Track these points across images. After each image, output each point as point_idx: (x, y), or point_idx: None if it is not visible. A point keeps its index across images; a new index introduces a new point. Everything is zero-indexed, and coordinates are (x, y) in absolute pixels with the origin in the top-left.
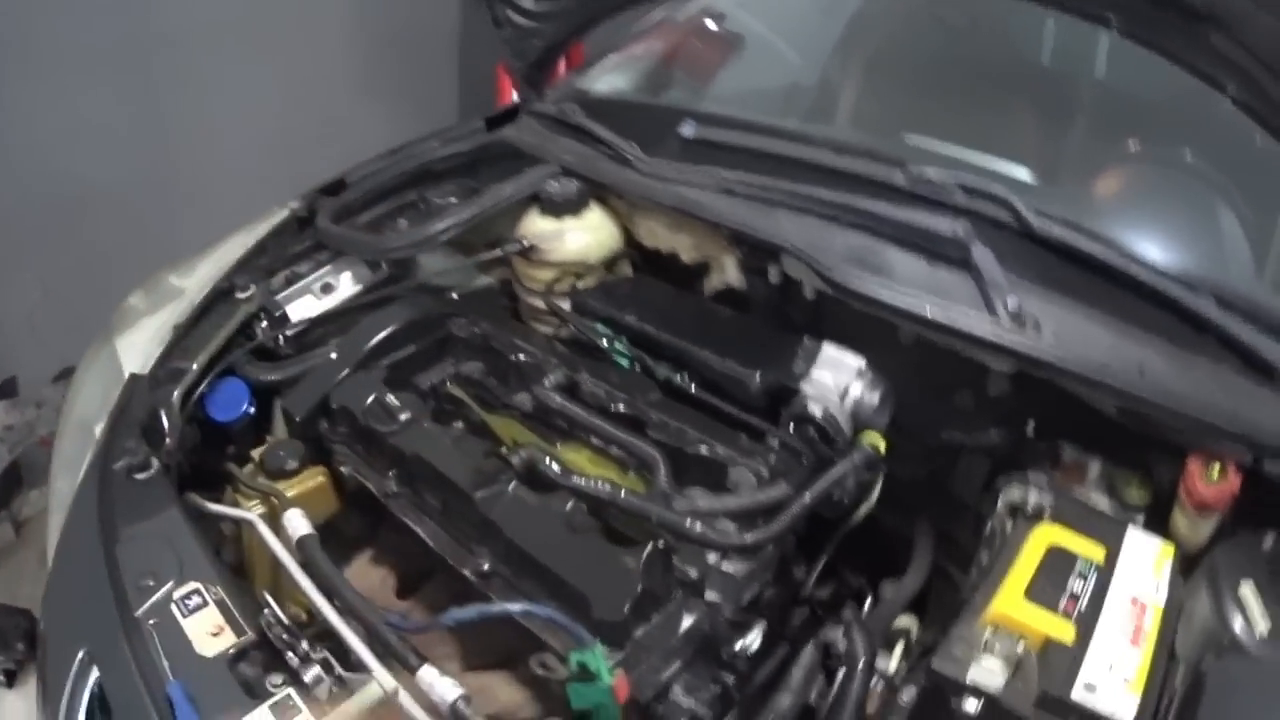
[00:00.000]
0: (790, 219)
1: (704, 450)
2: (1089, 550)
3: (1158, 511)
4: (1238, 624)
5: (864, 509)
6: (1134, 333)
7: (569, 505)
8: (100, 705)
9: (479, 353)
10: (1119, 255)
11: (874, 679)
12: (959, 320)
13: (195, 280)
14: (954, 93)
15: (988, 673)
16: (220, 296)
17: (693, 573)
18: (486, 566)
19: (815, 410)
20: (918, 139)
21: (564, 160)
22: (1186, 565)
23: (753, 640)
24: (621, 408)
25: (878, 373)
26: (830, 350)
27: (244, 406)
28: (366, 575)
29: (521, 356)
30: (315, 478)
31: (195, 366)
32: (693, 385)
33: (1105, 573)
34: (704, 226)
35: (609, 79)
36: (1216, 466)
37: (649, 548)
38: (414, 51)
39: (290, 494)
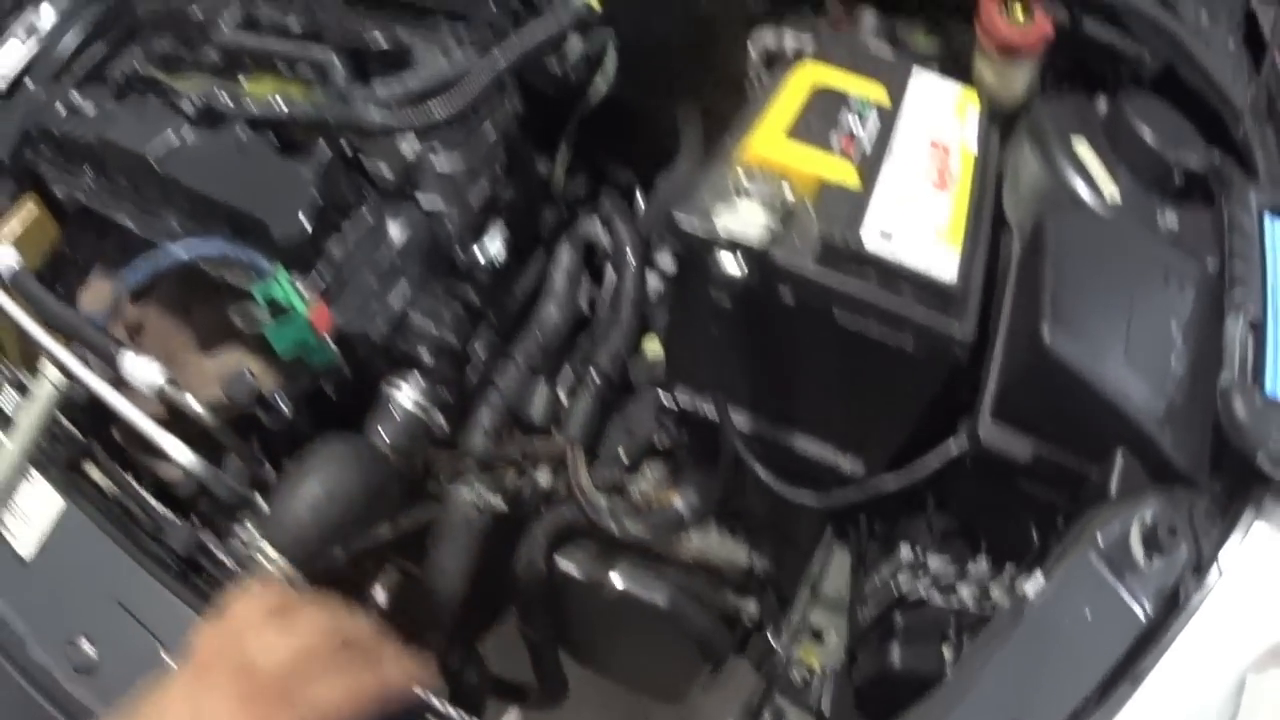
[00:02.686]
0: None
1: (382, 40)
2: (867, 90)
3: (953, 71)
4: (1078, 184)
5: (602, 84)
6: None
7: (243, 135)
8: None
9: (165, 26)
10: None
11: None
12: None
13: None
14: None
15: (745, 221)
16: None
17: (387, 172)
18: (176, 224)
19: None
20: None
21: None
22: (1001, 124)
23: (493, 248)
24: (299, 25)
25: None
26: None
27: None
28: (100, 289)
29: (198, 12)
30: (29, 210)
31: None
32: None
33: (890, 113)
34: None
35: None
36: (1019, 4)
37: (321, 148)
38: None
39: (8, 234)
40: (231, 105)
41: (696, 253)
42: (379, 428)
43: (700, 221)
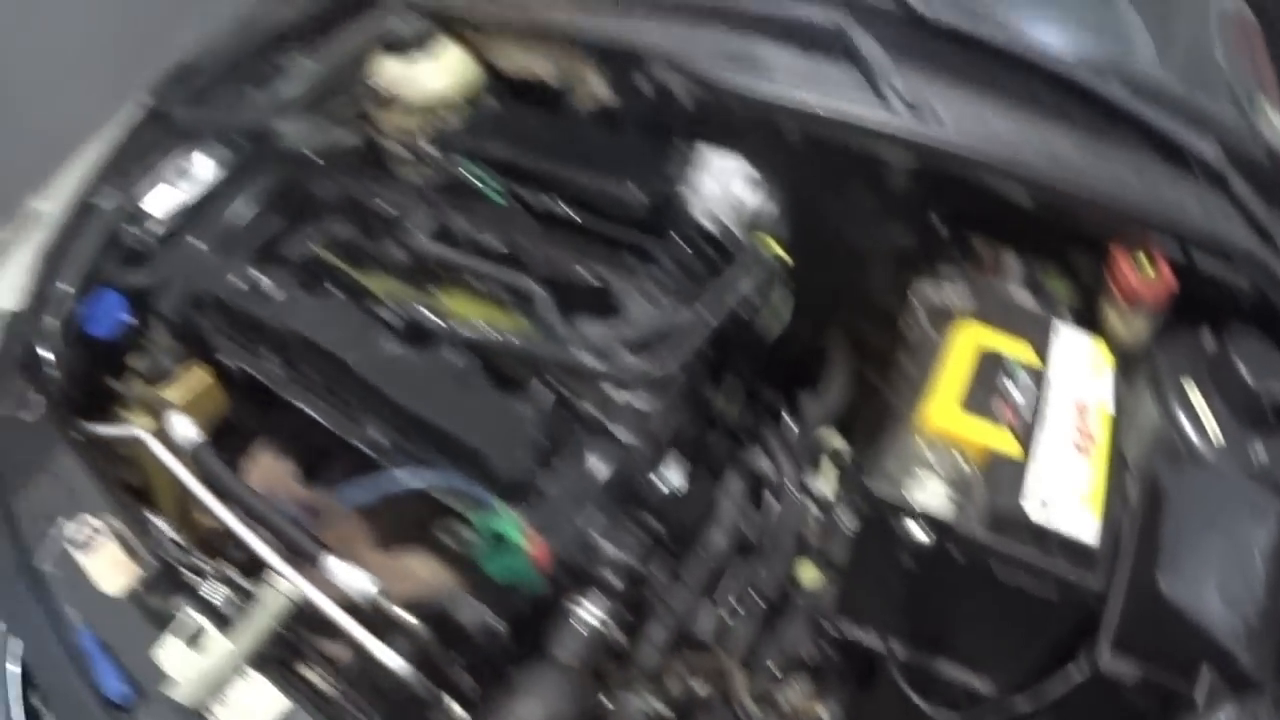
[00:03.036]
0: (653, 24)
1: (588, 276)
2: (1019, 351)
3: (1086, 313)
4: (1190, 431)
5: (776, 326)
6: (1041, 120)
7: (453, 357)
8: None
9: (346, 212)
10: (1017, 40)
11: (809, 502)
12: (849, 111)
13: (56, 200)
14: None
15: (933, 495)
16: (85, 211)
17: (597, 413)
18: (378, 434)
19: (702, 219)
20: None
21: None
22: (1124, 366)
23: (676, 480)
24: (498, 245)
25: (767, 174)
26: (710, 154)
27: (120, 317)
28: (270, 468)
29: (389, 208)
30: (200, 377)
31: (70, 289)
32: (570, 211)
33: (1042, 375)
34: (561, 42)
35: None
36: (1145, 258)
37: (543, 391)
38: None
39: (177, 399)
40: (441, 325)
41: (884, 515)
42: (565, 642)
43: (890, 489)
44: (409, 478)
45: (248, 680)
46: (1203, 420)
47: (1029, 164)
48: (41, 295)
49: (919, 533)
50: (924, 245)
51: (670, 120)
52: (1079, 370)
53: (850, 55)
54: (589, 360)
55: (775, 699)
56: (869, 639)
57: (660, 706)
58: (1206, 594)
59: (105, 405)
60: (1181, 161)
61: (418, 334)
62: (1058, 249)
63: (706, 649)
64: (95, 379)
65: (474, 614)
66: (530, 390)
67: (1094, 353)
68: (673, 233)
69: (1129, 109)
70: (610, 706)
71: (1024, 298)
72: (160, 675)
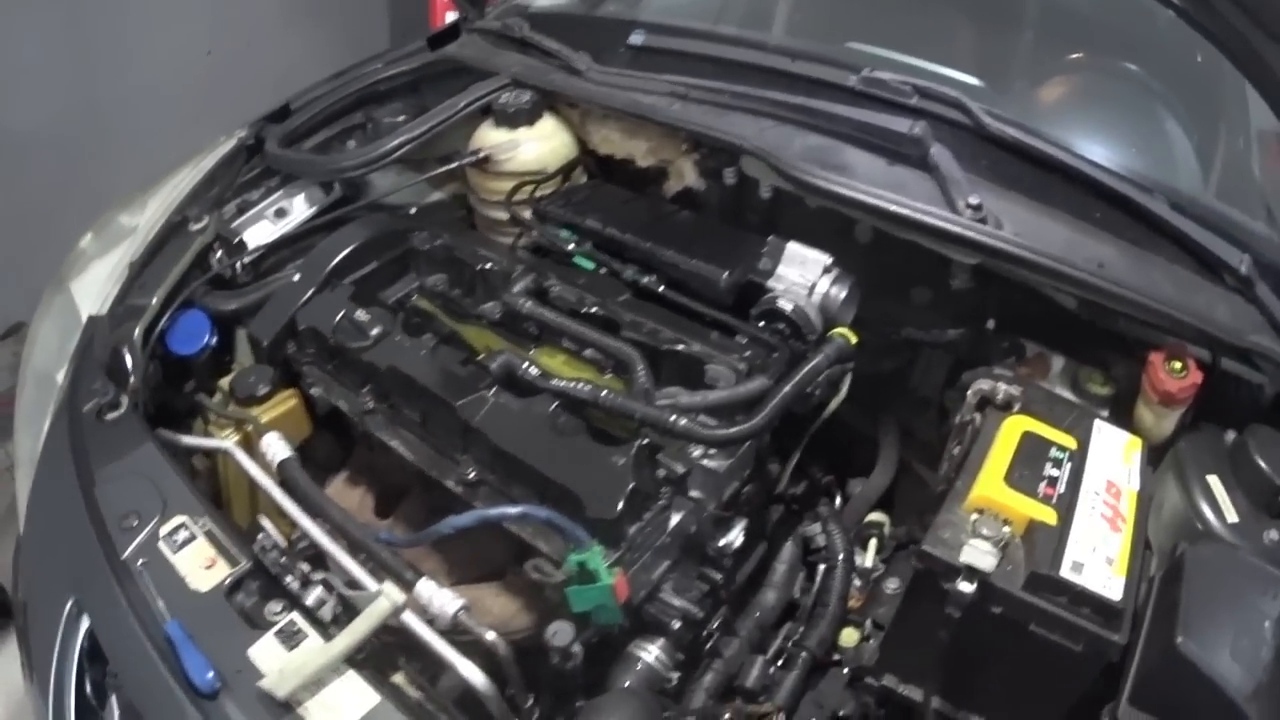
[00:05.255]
0: (746, 121)
1: (680, 348)
2: (1061, 438)
3: (1118, 407)
4: (1208, 513)
5: (835, 403)
6: (1091, 230)
7: (551, 408)
8: (92, 655)
9: (442, 265)
10: (1073, 155)
11: (854, 571)
12: (924, 215)
13: (146, 217)
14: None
15: (979, 554)
16: (173, 230)
17: (679, 468)
18: (473, 474)
19: (785, 305)
20: (861, 46)
21: (514, 72)
22: (1152, 458)
23: (735, 537)
24: (593, 309)
25: (843, 270)
26: (796, 247)
27: (206, 338)
28: (344, 498)
29: (487, 265)
30: (287, 401)
31: (154, 301)
32: (661, 286)
33: (1079, 459)
34: (660, 131)
35: None
36: (1178, 362)
37: (636, 445)
38: None
39: (264, 419)
40: (539, 376)
41: (935, 571)
42: (626, 681)
43: (941, 549)
44: (512, 511)
45: (339, 676)
46: (1221, 507)
47: (1077, 268)
48: (126, 303)
49: (965, 585)
50: (977, 344)
51: (747, 211)
52: (1112, 457)
53: (925, 165)
54: (678, 420)
55: None
56: (908, 691)
57: None
58: (1219, 655)
59: (175, 421)
60: (1214, 272)
61: (515, 383)
62: (1098, 353)
63: (755, 697)
64: (171, 392)
65: (563, 635)
66: (622, 444)
67: (1126, 444)
68: (755, 314)
69: (1171, 223)
70: None
71: (1065, 395)
72: (251, 669)
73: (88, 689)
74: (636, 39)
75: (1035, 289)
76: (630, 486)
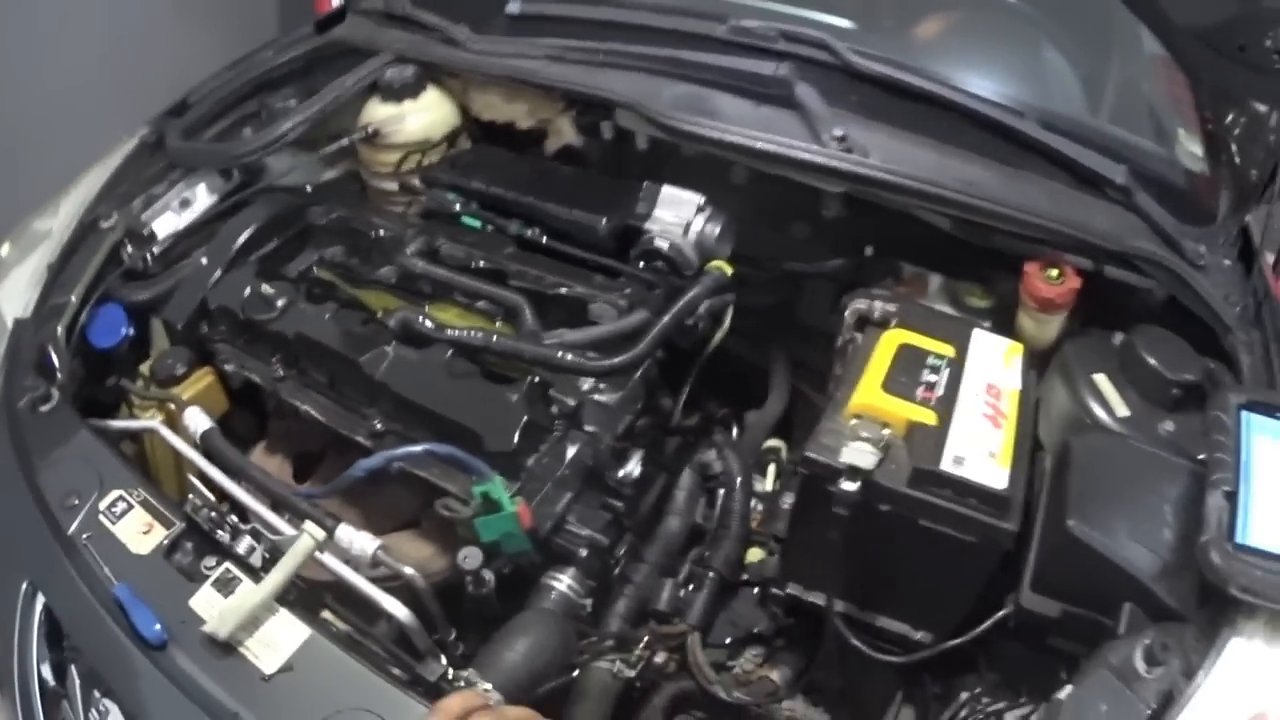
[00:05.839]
0: (619, 77)
1: (563, 291)
2: (939, 348)
3: (1002, 318)
4: (1097, 409)
5: (719, 335)
6: (960, 153)
7: (447, 356)
8: (51, 631)
9: (339, 236)
10: (938, 84)
11: (752, 498)
12: (789, 149)
13: (59, 221)
14: None
15: (859, 454)
16: (86, 230)
17: (571, 402)
18: (380, 426)
19: (662, 244)
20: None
21: (397, 48)
22: (1039, 365)
23: (633, 467)
24: (481, 263)
25: (717, 207)
26: (670, 190)
27: (123, 330)
28: (263, 466)
29: (380, 232)
30: (204, 379)
31: (73, 299)
32: (544, 237)
33: (957, 365)
34: (536, 93)
35: None
36: (1053, 269)
37: (528, 381)
38: None
39: (185, 396)
40: (433, 328)
41: (822, 479)
42: (541, 601)
43: (826, 456)
44: (416, 449)
45: (274, 615)
46: (1110, 402)
47: (944, 187)
48: (48, 304)
49: (848, 484)
50: (858, 272)
51: (627, 162)
52: (992, 362)
53: (792, 104)
54: (565, 355)
55: (730, 668)
56: (813, 598)
57: (624, 669)
58: (1116, 536)
59: (101, 412)
60: (1094, 185)
61: (413, 337)
62: (979, 270)
63: (667, 619)
64: (96, 382)
65: (473, 559)
66: (515, 382)
67: (1007, 349)
68: (633, 255)
69: (1043, 141)
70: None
71: (946, 309)
72: (194, 618)
73: (48, 674)
74: (513, 7)
75: (909, 213)
76: (524, 419)
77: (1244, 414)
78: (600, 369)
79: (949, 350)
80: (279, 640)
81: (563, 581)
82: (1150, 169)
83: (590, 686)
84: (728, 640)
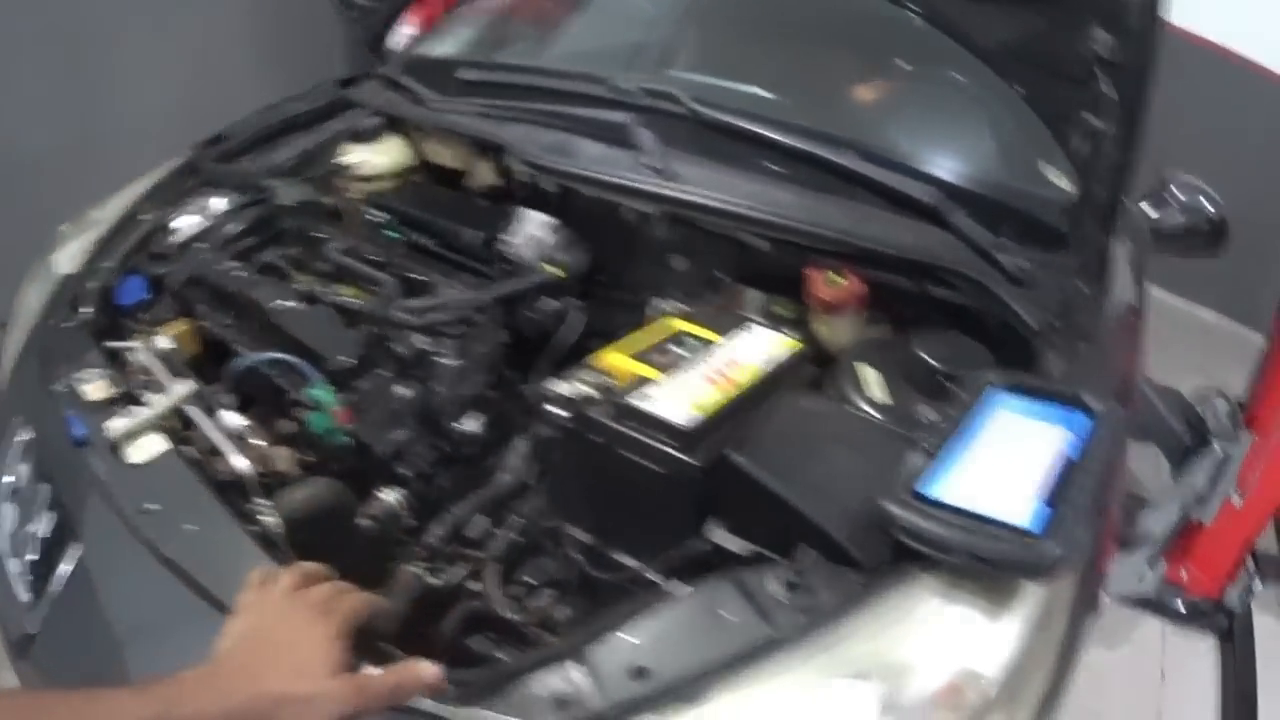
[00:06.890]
0: (515, 128)
1: (423, 276)
2: (707, 335)
3: (806, 328)
4: (850, 391)
5: (568, 335)
6: (779, 183)
7: (325, 312)
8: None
9: (300, 239)
10: (765, 125)
11: None
12: (611, 175)
13: (109, 211)
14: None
15: (572, 389)
16: (127, 221)
17: (402, 350)
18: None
19: (507, 251)
20: (679, 74)
21: (376, 105)
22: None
23: (472, 425)
24: (376, 258)
25: (570, 231)
26: (530, 214)
27: (141, 294)
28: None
29: (323, 235)
30: (184, 325)
31: (110, 266)
32: (434, 245)
33: (711, 345)
34: (457, 140)
35: (444, 43)
36: (834, 275)
37: (369, 328)
38: (300, 26)
39: (169, 334)
40: (320, 292)
41: (537, 405)
42: (369, 511)
43: (546, 390)
44: (272, 355)
45: (149, 434)
46: (869, 388)
47: (744, 207)
48: (91, 268)
49: (556, 409)
50: (681, 283)
51: (546, 198)
52: (751, 347)
53: (630, 144)
54: (399, 313)
55: (524, 602)
56: (575, 532)
57: (432, 580)
58: (790, 478)
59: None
60: (906, 206)
61: (310, 299)
62: (792, 286)
63: (473, 545)
64: (112, 330)
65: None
66: (360, 329)
67: (781, 341)
68: (497, 260)
69: (858, 171)
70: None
71: (754, 317)
72: (106, 432)
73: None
74: (464, 74)
75: (732, 236)
76: (356, 348)
77: (991, 390)
78: (415, 325)
79: (714, 338)
80: (150, 448)
81: (391, 496)
82: (965, 188)
83: (398, 582)
84: (529, 580)
